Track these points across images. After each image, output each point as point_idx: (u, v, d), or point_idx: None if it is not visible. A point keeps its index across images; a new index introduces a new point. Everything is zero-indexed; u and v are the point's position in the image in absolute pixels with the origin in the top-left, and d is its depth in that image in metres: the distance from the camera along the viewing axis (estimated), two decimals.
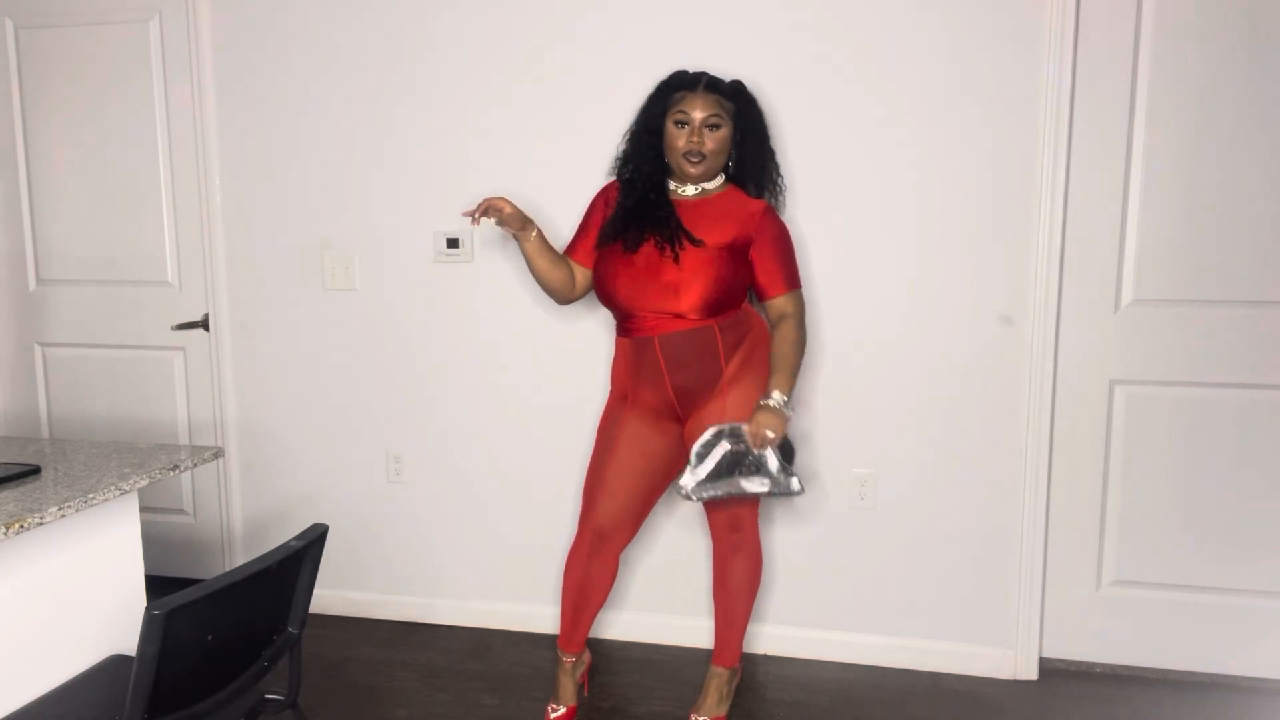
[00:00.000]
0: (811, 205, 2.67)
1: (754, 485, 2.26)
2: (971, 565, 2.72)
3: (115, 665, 1.87)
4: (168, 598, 1.41)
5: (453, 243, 2.91)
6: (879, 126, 2.61)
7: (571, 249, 2.50)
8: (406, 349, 3.01)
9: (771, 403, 2.26)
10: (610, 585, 2.50)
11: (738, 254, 2.32)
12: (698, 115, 2.28)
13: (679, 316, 2.30)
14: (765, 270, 2.34)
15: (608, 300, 2.39)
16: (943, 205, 2.60)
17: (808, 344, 2.50)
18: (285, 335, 3.10)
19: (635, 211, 2.36)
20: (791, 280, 2.37)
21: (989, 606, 2.73)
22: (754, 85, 2.68)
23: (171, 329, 3.20)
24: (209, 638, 1.51)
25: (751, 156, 2.38)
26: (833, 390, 2.73)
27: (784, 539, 2.82)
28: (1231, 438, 2.58)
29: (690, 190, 2.37)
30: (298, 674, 1.78)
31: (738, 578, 2.47)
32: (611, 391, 2.49)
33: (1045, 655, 2.76)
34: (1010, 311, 2.61)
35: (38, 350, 3.37)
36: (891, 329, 2.68)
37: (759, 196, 2.40)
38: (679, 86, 2.33)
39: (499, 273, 2.90)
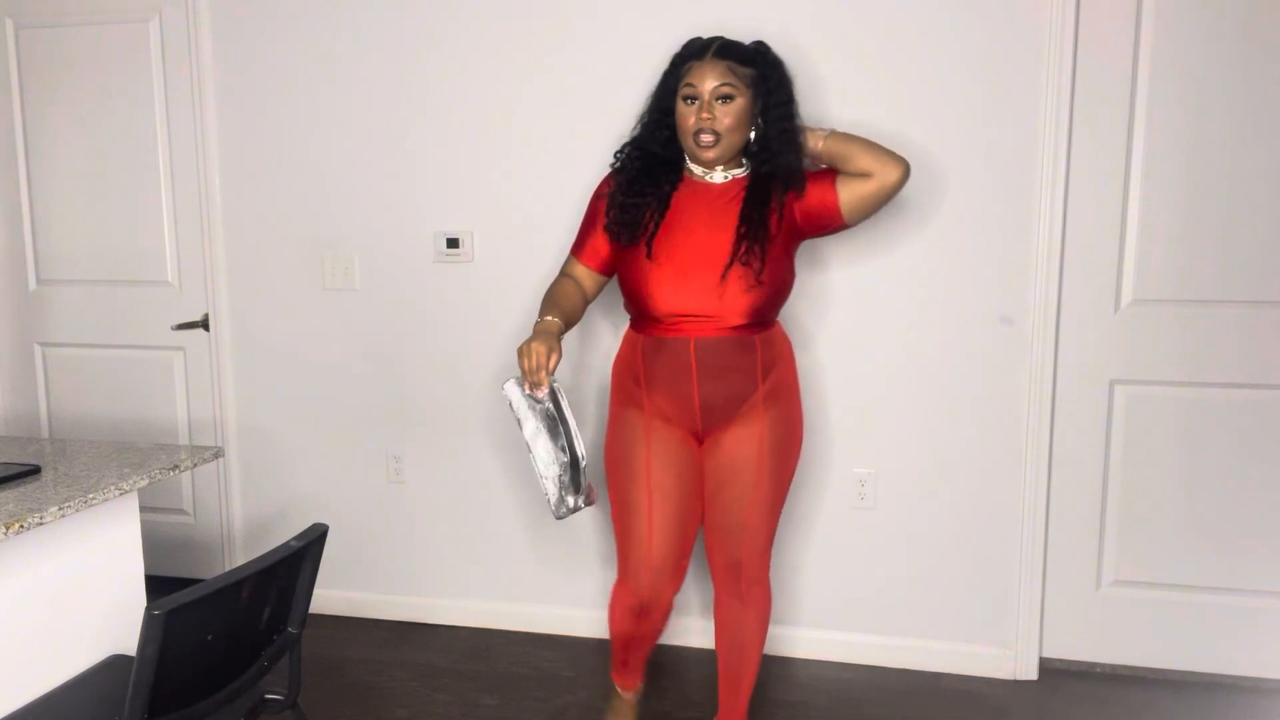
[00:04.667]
0: None
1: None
2: (971, 565, 2.72)
3: (115, 665, 1.87)
4: (168, 598, 1.41)
5: (453, 243, 2.91)
6: (877, 126, 2.60)
7: (578, 248, 2.20)
8: (406, 349, 3.01)
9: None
10: (663, 629, 2.25)
11: (789, 242, 2.09)
12: (707, 86, 1.99)
13: (722, 323, 2.03)
14: (820, 190, 2.06)
15: (640, 308, 2.09)
16: (943, 205, 2.60)
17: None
18: (285, 335, 3.10)
19: (640, 200, 2.08)
20: None
21: (989, 606, 2.72)
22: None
23: (171, 329, 3.20)
24: (209, 638, 1.50)
25: (776, 132, 2.05)
26: (833, 390, 2.73)
27: (784, 538, 2.82)
28: (1231, 438, 2.58)
29: (719, 176, 2.08)
30: (298, 674, 1.78)
31: (747, 633, 2.17)
32: (614, 398, 2.20)
33: (1045, 655, 2.76)
34: (1010, 311, 2.60)
35: (38, 350, 3.37)
36: (892, 329, 2.68)
37: (789, 178, 2.06)
38: (688, 57, 2.05)
39: (499, 273, 2.90)
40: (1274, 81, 2.44)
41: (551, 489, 1.93)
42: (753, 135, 2.07)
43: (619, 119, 2.54)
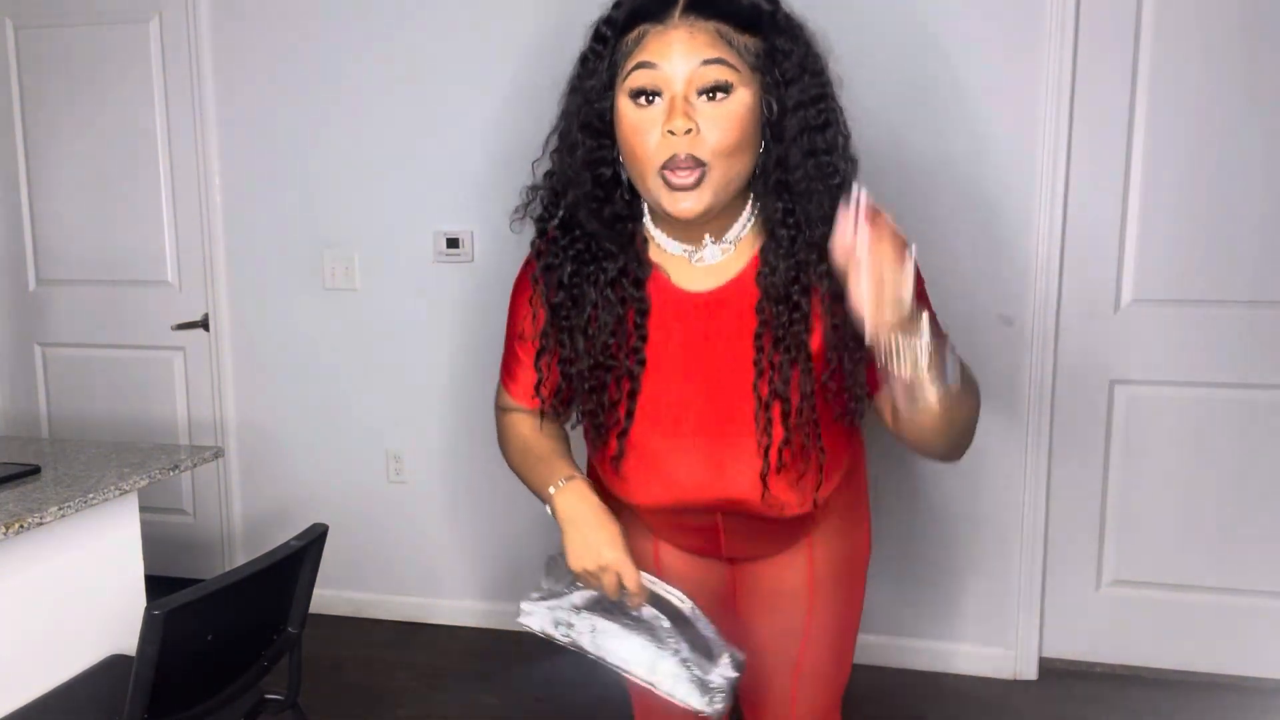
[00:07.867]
0: None
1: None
2: (971, 565, 2.72)
3: (115, 665, 1.87)
4: (168, 598, 1.41)
5: (453, 243, 2.91)
6: (875, 125, 2.60)
7: (511, 381, 1.39)
8: (406, 349, 3.01)
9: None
10: None
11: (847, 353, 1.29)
12: (680, 68, 1.11)
13: (761, 511, 1.30)
14: None
15: (616, 497, 1.40)
16: (942, 204, 2.60)
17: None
18: (285, 335, 3.10)
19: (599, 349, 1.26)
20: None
21: (989, 606, 2.72)
22: None
23: (171, 329, 3.19)
24: (209, 638, 1.51)
25: (802, 153, 1.18)
26: None
27: None
28: (1231, 438, 2.58)
29: (710, 252, 1.23)
30: (298, 674, 1.79)
31: None
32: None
33: (1045, 655, 2.76)
34: (1010, 311, 2.60)
35: (38, 350, 3.37)
36: None
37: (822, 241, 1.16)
38: (639, 17, 1.15)
39: (499, 273, 2.90)
40: (1274, 81, 2.44)
41: (684, 688, 1.30)
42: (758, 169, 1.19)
43: None
